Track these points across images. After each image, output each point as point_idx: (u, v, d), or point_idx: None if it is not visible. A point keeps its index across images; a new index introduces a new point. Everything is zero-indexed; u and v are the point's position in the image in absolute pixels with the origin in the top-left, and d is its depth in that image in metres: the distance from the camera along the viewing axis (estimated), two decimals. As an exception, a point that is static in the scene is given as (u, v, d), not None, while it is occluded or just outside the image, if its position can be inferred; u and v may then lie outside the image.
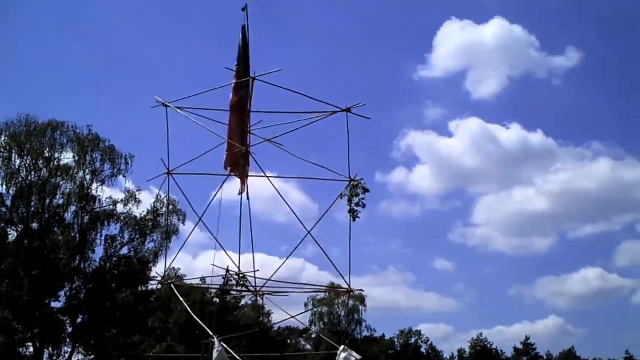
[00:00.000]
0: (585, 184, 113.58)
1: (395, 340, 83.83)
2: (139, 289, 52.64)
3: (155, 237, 51.16)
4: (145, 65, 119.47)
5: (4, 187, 48.12)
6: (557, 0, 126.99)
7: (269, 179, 13.53)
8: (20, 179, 48.35)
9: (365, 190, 13.64)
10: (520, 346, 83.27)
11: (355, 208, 13.51)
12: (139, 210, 50.96)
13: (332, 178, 13.94)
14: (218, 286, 13.78)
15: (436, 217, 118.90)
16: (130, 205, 50.89)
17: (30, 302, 45.69)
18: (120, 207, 50.87)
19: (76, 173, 49.83)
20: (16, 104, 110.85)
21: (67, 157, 49.70)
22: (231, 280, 12.52)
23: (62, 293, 49.33)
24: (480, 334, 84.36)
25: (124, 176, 50.88)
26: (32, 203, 48.71)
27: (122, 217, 50.74)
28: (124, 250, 51.32)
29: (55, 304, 49.43)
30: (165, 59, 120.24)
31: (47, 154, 49.28)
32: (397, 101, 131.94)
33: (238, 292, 13.86)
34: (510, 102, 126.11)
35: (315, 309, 73.76)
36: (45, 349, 47.91)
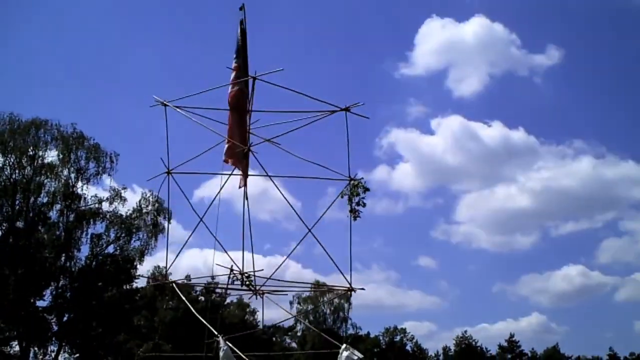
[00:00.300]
0: (567, 182, 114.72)
1: (381, 338, 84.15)
2: (124, 287, 52.37)
3: (141, 236, 50.92)
4: (137, 64, 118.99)
5: (-12, 186, 47.67)
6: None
7: (271, 179, 13.55)
8: (4, 178, 47.94)
9: (366, 189, 13.71)
10: (505, 344, 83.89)
11: (356, 207, 13.56)
12: (124, 209, 50.75)
13: (331, 177, 13.98)
14: (219, 285, 13.77)
15: (419, 215, 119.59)
16: (116, 203, 50.64)
17: (16, 301, 45.31)
18: (105, 206, 50.64)
19: (61, 171, 49.52)
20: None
21: (51, 155, 49.41)
22: (237, 280, 12.53)
23: (47, 292, 48.97)
24: (465, 331, 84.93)
25: (109, 174, 50.62)
26: (17, 202, 48.40)
27: (107, 216, 50.45)
28: (110, 249, 51.04)
29: (40, 303, 49.11)
30: (155, 57, 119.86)
31: (31, 152, 48.84)
32: (379, 99, 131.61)
33: (238, 291, 13.73)
34: (491, 100, 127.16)
35: (302, 307, 73.79)
36: (31, 348, 47.60)
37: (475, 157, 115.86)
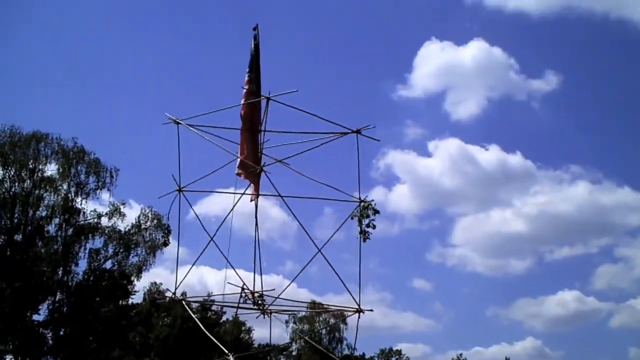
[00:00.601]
0: (563, 207, 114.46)
1: (376, 359, 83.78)
2: (120, 303, 52.21)
3: (139, 252, 50.86)
4: (138, 64, 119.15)
5: (-13, 198, 47.63)
6: (536, 24, 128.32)
7: (283, 199, 13.62)
8: (3, 190, 47.87)
9: (376, 211, 13.79)
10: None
11: (366, 229, 13.64)
12: (123, 225, 50.71)
13: (342, 199, 14.08)
14: (230, 304, 13.80)
15: (415, 237, 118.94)
16: (114, 219, 50.59)
17: (12, 314, 45.15)
18: (104, 221, 50.57)
19: (60, 185, 49.51)
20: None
21: (51, 169, 49.40)
22: (248, 299, 12.59)
23: (44, 306, 48.71)
24: (460, 354, 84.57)
25: (108, 189, 50.61)
26: (16, 214, 48.22)
27: (106, 231, 50.37)
28: (108, 264, 50.91)
29: (37, 317, 48.76)
30: (155, 59, 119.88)
31: (31, 166, 48.85)
32: (376, 120, 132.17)
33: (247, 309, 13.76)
34: (489, 124, 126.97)
35: (298, 327, 73.45)
36: (25, 363, 47.31)
37: (472, 180, 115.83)
